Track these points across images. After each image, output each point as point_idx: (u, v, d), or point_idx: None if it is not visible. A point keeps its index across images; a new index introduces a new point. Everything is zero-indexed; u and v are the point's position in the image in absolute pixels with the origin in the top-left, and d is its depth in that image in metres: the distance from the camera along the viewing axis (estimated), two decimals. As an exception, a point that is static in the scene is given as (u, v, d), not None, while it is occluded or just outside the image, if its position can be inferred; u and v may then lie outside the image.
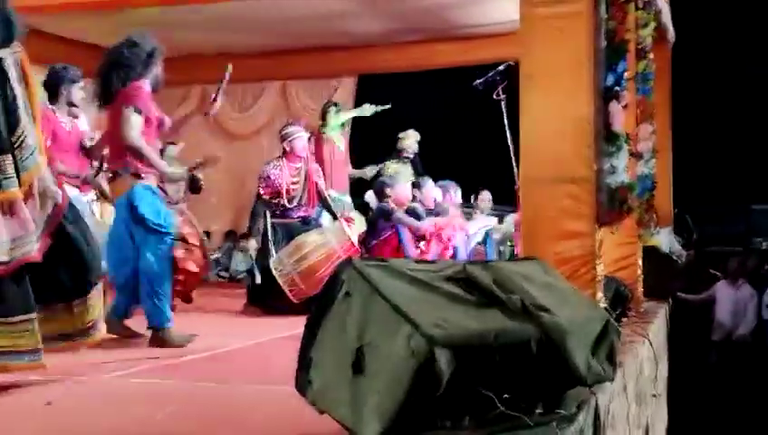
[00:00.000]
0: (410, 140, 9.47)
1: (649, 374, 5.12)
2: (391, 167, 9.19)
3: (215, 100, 5.81)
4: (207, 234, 7.61)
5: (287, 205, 7.21)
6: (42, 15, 8.24)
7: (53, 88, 5.91)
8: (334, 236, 6.74)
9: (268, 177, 7.25)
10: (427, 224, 7.50)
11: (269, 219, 7.16)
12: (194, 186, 5.88)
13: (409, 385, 2.36)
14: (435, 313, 2.48)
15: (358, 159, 9.47)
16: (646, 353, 4.96)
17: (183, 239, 5.12)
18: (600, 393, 3.15)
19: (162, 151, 6.48)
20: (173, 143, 7.85)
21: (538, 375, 2.64)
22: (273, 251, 6.87)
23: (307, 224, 7.24)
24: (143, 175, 5.03)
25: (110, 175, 5.30)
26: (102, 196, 6.17)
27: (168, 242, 5.03)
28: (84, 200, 5.89)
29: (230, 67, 5.87)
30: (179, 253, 5.09)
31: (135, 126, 4.95)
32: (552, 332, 2.64)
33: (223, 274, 10.82)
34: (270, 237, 7.04)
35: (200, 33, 8.81)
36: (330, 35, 9.44)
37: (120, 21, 8.42)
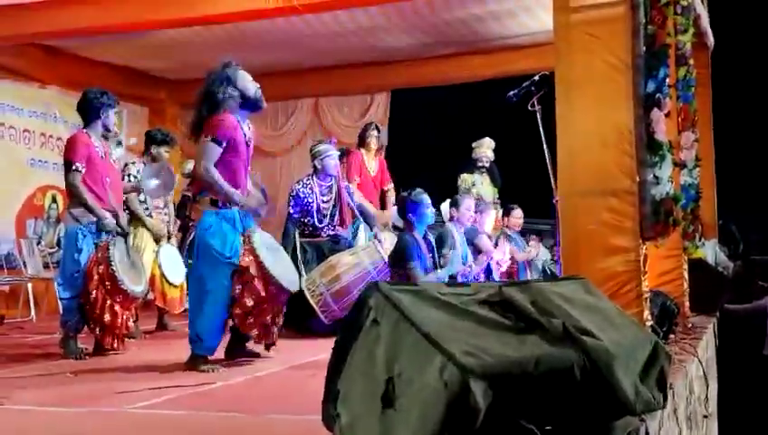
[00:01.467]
0: (484, 148, 9.05)
1: (699, 394, 4.89)
2: (467, 179, 8.88)
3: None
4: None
5: (318, 224, 7.06)
6: (72, 40, 8.30)
7: (89, 112, 5.81)
8: (367, 256, 6.54)
9: (297, 195, 7.09)
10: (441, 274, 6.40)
11: (297, 239, 7.00)
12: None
13: (443, 420, 2.19)
14: (469, 340, 2.31)
15: (404, 174, 8.98)
16: (695, 372, 4.74)
17: (241, 271, 4.90)
18: (650, 420, 2.94)
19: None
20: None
21: (583, 404, 2.46)
22: (303, 271, 6.69)
23: (337, 243, 7.06)
24: (220, 202, 4.95)
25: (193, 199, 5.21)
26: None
27: (226, 271, 4.89)
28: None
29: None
30: (237, 287, 4.90)
31: (209, 156, 4.87)
32: (597, 357, 2.46)
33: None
34: (300, 257, 6.87)
35: (230, 52, 8.74)
36: (362, 51, 9.35)
37: (144, 43, 8.42)
